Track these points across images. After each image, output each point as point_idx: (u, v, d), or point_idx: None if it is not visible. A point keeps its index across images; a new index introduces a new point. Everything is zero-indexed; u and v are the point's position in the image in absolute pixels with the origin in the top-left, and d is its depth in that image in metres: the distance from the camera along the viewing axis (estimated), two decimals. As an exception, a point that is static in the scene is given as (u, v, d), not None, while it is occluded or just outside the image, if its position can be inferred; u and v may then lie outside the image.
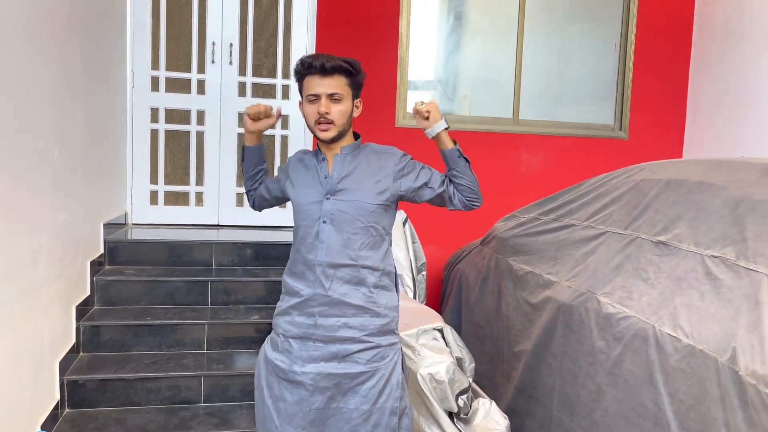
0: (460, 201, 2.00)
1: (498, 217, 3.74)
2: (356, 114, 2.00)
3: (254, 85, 4.45)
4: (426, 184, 1.99)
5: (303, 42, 4.48)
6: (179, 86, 4.34)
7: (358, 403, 1.90)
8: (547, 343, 2.52)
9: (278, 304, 2.06)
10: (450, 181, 2.01)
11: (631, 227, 2.28)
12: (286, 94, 4.50)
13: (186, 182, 4.42)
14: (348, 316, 1.90)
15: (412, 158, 2.04)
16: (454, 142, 1.98)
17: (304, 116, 1.94)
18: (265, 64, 4.46)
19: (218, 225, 4.46)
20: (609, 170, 2.87)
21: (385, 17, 4.61)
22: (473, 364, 2.60)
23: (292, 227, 4.87)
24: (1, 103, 2.17)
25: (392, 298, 2.00)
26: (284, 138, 4.53)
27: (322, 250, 1.91)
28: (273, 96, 4.48)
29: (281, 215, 4.56)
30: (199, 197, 4.44)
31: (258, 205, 2.30)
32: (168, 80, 4.32)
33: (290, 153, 4.52)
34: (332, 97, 1.88)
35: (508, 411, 2.71)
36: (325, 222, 1.91)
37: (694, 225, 1.99)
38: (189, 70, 4.34)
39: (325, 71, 1.87)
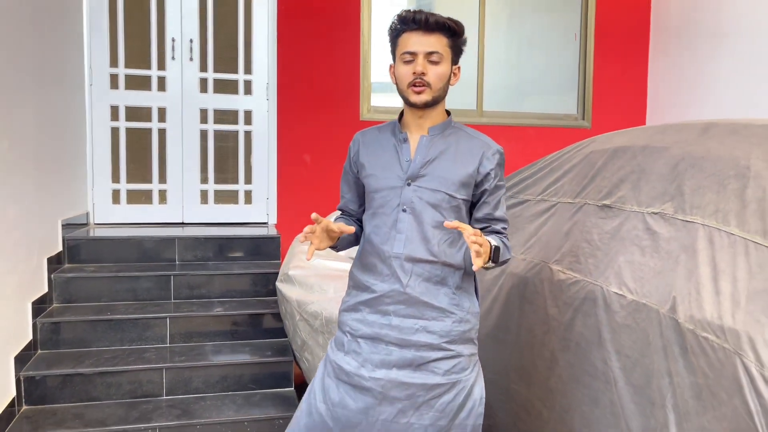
0: None
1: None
2: (453, 82, 1.75)
3: (216, 81, 4.43)
4: (485, 207, 1.76)
5: (264, 36, 4.47)
6: (139, 83, 4.30)
7: (433, 418, 1.68)
8: (503, 318, 2.52)
9: (344, 299, 1.85)
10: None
11: (580, 195, 2.30)
12: (248, 90, 4.48)
13: (149, 180, 4.37)
14: (427, 318, 1.70)
15: (503, 167, 1.81)
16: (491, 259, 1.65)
17: (396, 79, 1.72)
18: (226, 60, 4.44)
19: (182, 223, 4.41)
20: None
21: (345, 9, 4.62)
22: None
23: (255, 223, 4.84)
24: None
25: (474, 302, 1.81)
26: (248, 134, 4.51)
27: (399, 242, 1.70)
28: (235, 92, 4.46)
29: (245, 212, 4.54)
30: (163, 195, 4.39)
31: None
32: (128, 77, 4.28)
33: (255, 150, 4.51)
34: (430, 57, 1.66)
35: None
36: (404, 211, 1.71)
37: (637, 186, 2.01)
38: (149, 67, 4.31)
39: (427, 27, 1.65)
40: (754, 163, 1.62)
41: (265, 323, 3.47)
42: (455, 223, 1.50)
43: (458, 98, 5.00)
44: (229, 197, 4.51)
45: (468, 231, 1.49)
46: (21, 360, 2.92)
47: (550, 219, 2.43)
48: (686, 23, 4.87)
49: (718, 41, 4.56)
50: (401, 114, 1.81)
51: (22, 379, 2.89)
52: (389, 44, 1.77)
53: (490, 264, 1.62)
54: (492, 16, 5.03)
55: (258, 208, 4.55)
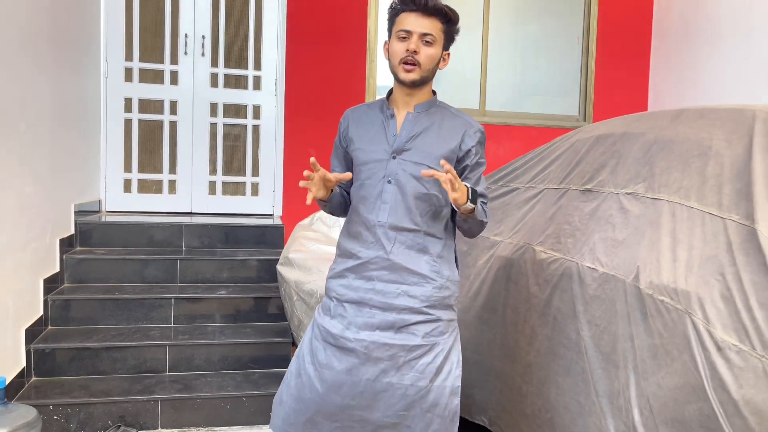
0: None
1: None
2: (442, 66, 1.86)
3: (226, 77, 4.59)
4: (466, 183, 1.79)
5: (274, 34, 4.63)
6: (152, 77, 4.47)
7: (413, 378, 1.78)
8: (490, 300, 2.63)
9: (331, 266, 1.95)
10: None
11: (565, 181, 2.41)
12: (257, 85, 4.64)
13: (159, 171, 4.53)
14: (409, 284, 1.80)
15: (484, 146, 1.91)
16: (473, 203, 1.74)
17: (390, 56, 1.83)
18: (236, 56, 4.60)
19: (191, 213, 4.56)
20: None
21: (353, 10, 4.77)
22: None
23: (261, 215, 4.97)
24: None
25: (454, 271, 1.89)
26: (256, 128, 4.66)
27: (384, 211, 1.81)
28: (244, 87, 4.62)
29: (251, 203, 4.68)
30: (172, 185, 4.55)
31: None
32: (141, 71, 4.45)
33: (262, 143, 4.66)
34: (424, 38, 1.77)
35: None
36: (390, 182, 1.81)
37: (614, 171, 2.12)
38: (162, 62, 4.47)
39: (425, 10, 1.76)
40: (715, 143, 1.72)
41: (266, 307, 3.59)
42: (431, 171, 1.62)
43: (461, 97, 5.13)
44: (237, 189, 4.66)
45: (440, 172, 1.62)
46: (31, 334, 3.07)
47: (537, 204, 2.54)
48: (688, 27, 4.96)
49: (719, 45, 4.65)
50: (390, 91, 1.93)
51: (32, 351, 3.04)
52: (387, 22, 1.88)
53: (470, 205, 1.69)
54: (496, 19, 5.16)
55: (264, 199, 4.69)
